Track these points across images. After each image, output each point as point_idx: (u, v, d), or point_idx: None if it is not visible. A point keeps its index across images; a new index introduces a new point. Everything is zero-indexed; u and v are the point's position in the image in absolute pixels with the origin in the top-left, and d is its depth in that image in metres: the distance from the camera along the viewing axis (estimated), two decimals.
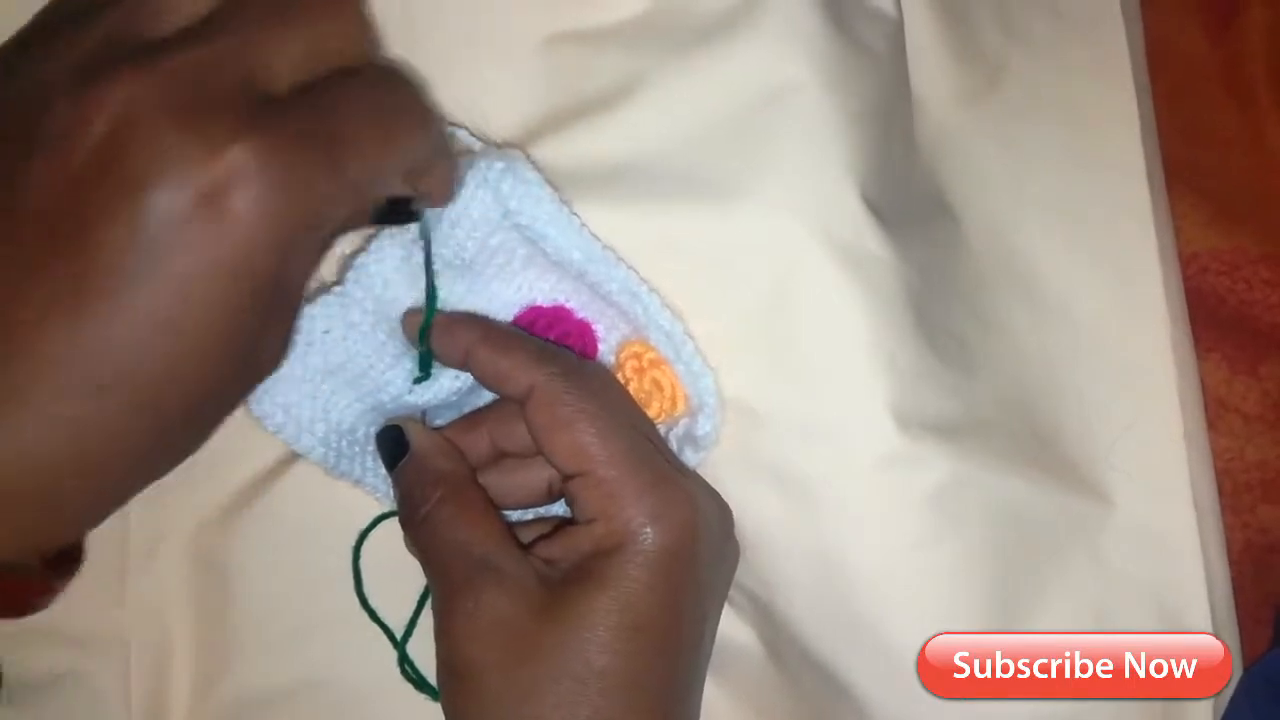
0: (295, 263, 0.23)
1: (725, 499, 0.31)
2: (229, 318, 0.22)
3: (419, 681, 0.32)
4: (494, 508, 0.30)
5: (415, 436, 0.31)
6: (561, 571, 0.28)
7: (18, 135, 0.22)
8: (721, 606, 0.32)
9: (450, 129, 0.32)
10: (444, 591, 0.29)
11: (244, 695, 0.35)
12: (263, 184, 0.21)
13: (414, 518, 0.30)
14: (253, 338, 0.23)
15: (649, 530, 0.28)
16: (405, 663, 0.33)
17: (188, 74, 0.21)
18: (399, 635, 0.33)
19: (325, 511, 0.34)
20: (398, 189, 0.26)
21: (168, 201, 0.20)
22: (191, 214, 0.21)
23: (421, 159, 0.26)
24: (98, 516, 0.24)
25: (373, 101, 0.24)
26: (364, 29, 0.25)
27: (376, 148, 0.24)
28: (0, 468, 0.21)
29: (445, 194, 0.29)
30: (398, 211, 0.28)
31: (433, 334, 0.31)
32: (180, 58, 0.21)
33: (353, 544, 0.33)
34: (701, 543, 0.29)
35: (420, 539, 0.30)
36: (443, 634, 0.29)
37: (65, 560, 0.25)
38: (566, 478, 0.29)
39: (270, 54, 0.22)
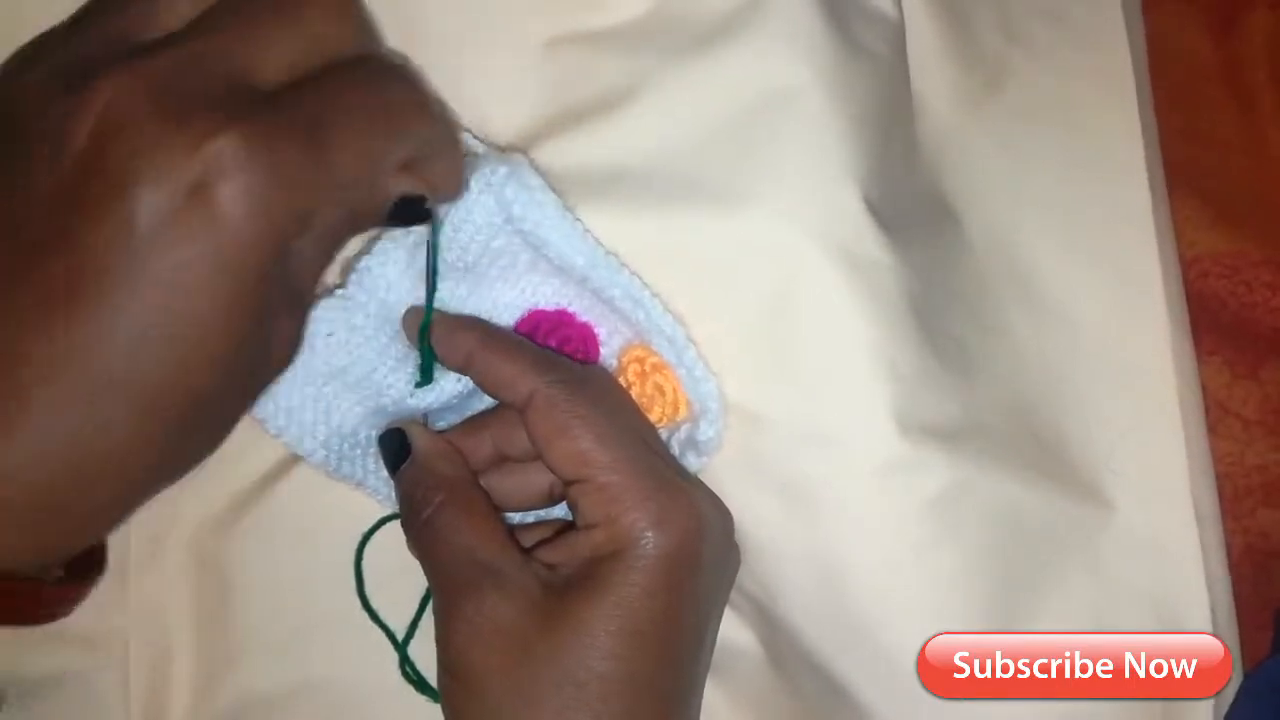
0: (295, 259, 0.23)
1: (726, 503, 0.31)
2: (226, 313, 0.22)
3: (420, 683, 0.33)
4: (496, 512, 0.30)
5: (418, 439, 0.31)
6: (563, 576, 0.28)
7: (10, 144, 0.22)
8: (722, 612, 0.32)
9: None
10: (445, 595, 0.29)
11: (244, 697, 0.35)
12: (248, 175, 0.21)
13: (416, 521, 0.30)
14: (255, 334, 0.23)
15: (650, 536, 0.28)
16: (406, 665, 0.33)
17: (172, 71, 0.21)
18: (400, 637, 0.33)
19: (326, 513, 0.34)
20: (406, 186, 0.26)
21: (153, 197, 0.20)
22: (178, 208, 0.21)
23: (420, 151, 0.26)
24: (109, 522, 0.24)
25: (364, 93, 0.24)
26: (360, 23, 0.25)
27: (366, 139, 0.23)
28: (7, 486, 0.21)
29: (453, 186, 0.28)
30: (409, 210, 0.27)
31: (433, 336, 0.31)
32: (166, 56, 0.22)
33: (353, 546, 0.33)
34: (703, 548, 0.29)
35: (422, 542, 0.30)
36: (444, 638, 0.29)
37: (86, 565, 0.25)
38: (567, 484, 0.29)
39: (260, 50, 0.22)
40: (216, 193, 0.21)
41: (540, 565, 0.29)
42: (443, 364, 0.31)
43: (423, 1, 0.33)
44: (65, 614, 0.25)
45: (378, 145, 0.24)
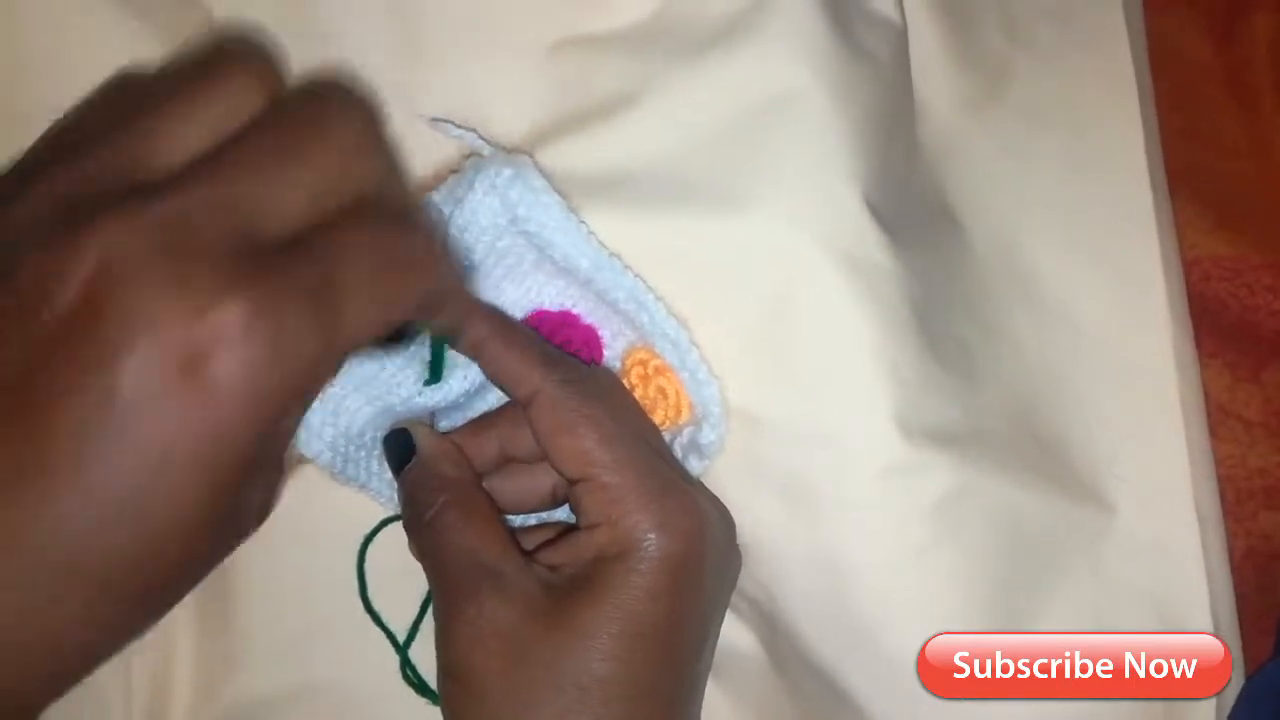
0: (281, 427, 0.21)
1: (728, 506, 0.31)
2: (206, 493, 0.20)
3: (421, 686, 0.33)
4: (498, 514, 0.30)
5: (423, 441, 0.31)
6: (565, 578, 0.28)
7: None
8: (724, 615, 0.32)
9: (460, 131, 0.32)
10: (446, 597, 0.29)
11: (245, 699, 0.35)
12: (250, 349, 0.19)
13: (419, 522, 0.30)
14: (232, 507, 0.21)
15: (653, 537, 0.28)
16: (407, 667, 0.33)
17: (173, 223, 0.19)
18: (401, 640, 0.33)
19: (327, 516, 0.34)
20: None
21: (146, 368, 0.18)
22: (171, 383, 0.18)
23: (429, 303, 0.24)
24: (45, 701, 0.21)
25: (378, 249, 0.22)
26: (380, 162, 0.23)
27: (376, 301, 0.21)
28: None
29: (449, 329, 0.28)
30: (398, 334, 0.27)
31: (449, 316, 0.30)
32: (166, 205, 0.19)
33: (354, 548, 0.33)
34: (705, 551, 0.28)
35: (424, 543, 0.30)
36: (444, 640, 0.29)
37: None
38: (571, 483, 0.29)
39: (269, 198, 0.20)
40: (214, 369, 0.18)
41: (542, 567, 0.29)
42: (453, 347, 0.31)
43: (426, 6, 0.33)
44: None
45: (388, 306, 0.22)
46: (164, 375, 0.18)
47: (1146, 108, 0.38)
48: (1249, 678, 0.34)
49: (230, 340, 0.19)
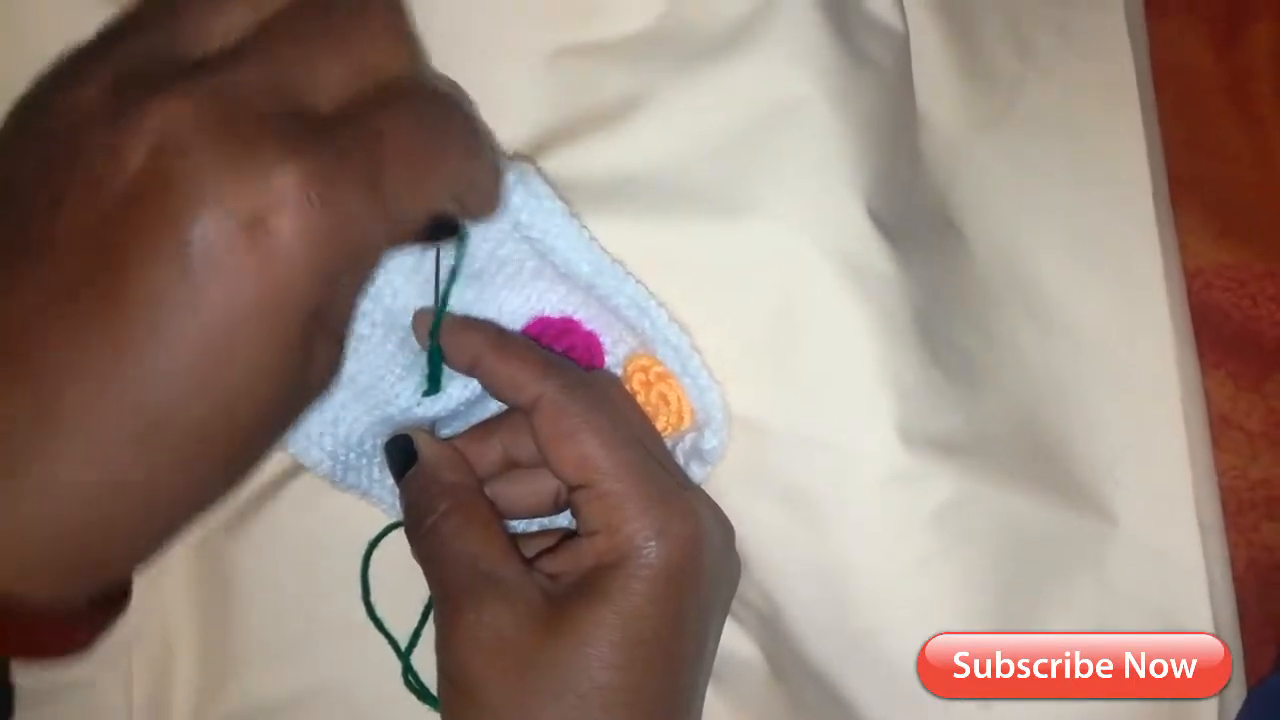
0: (342, 289, 0.23)
1: (729, 513, 0.31)
2: (276, 350, 0.21)
3: (422, 692, 0.33)
4: (500, 520, 0.30)
5: (424, 446, 0.31)
6: (565, 585, 0.28)
7: (53, 165, 0.21)
8: (723, 622, 0.32)
9: None
10: (447, 603, 0.29)
11: (246, 705, 0.35)
12: (308, 211, 0.20)
13: (420, 528, 0.30)
14: (301, 367, 0.22)
15: (653, 544, 0.28)
16: (409, 673, 0.33)
17: (228, 97, 0.20)
18: (403, 646, 0.33)
19: (329, 521, 0.34)
20: (445, 209, 0.25)
21: (210, 231, 0.20)
22: (235, 243, 0.20)
23: (468, 180, 0.25)
24: (142, 558, 0.23)
25: (420, 124, 0.23)
26: (410, 48, 0.24)
27: (423, 173, 0.23)
28: (38, 522, 0.20)
29: (490, 209, 0.28)
30: (441, 229, 0.27)
31: (443, 336, 0.30)
32: (220, 80, 0.21)
33: (355, 553, 0.33)
34: (705, 558, 0.28)
35: (425, 549, 0.30)
36: (444, 646, 0.29)
37: (111, 599, 0.24)
38: (571, 489, 0.29)
39: (314, 75, 0.22)
40: (276, 228, 0.20)
41: (542, 575, 0.29)
42: (450, 365, 0.31)
43: (429, 12, 0.33)
44: (89, 648, 0.24)
45: (430, 180, 0.23)
46: (230, 235, 0.20)
47: (1148, 116, 0.38)
48: (1251, 690, 0.33)
49: (289, 202, 0.20)
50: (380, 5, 0.23)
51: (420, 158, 0.23)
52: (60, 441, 0.20)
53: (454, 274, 0.30)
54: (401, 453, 0.31)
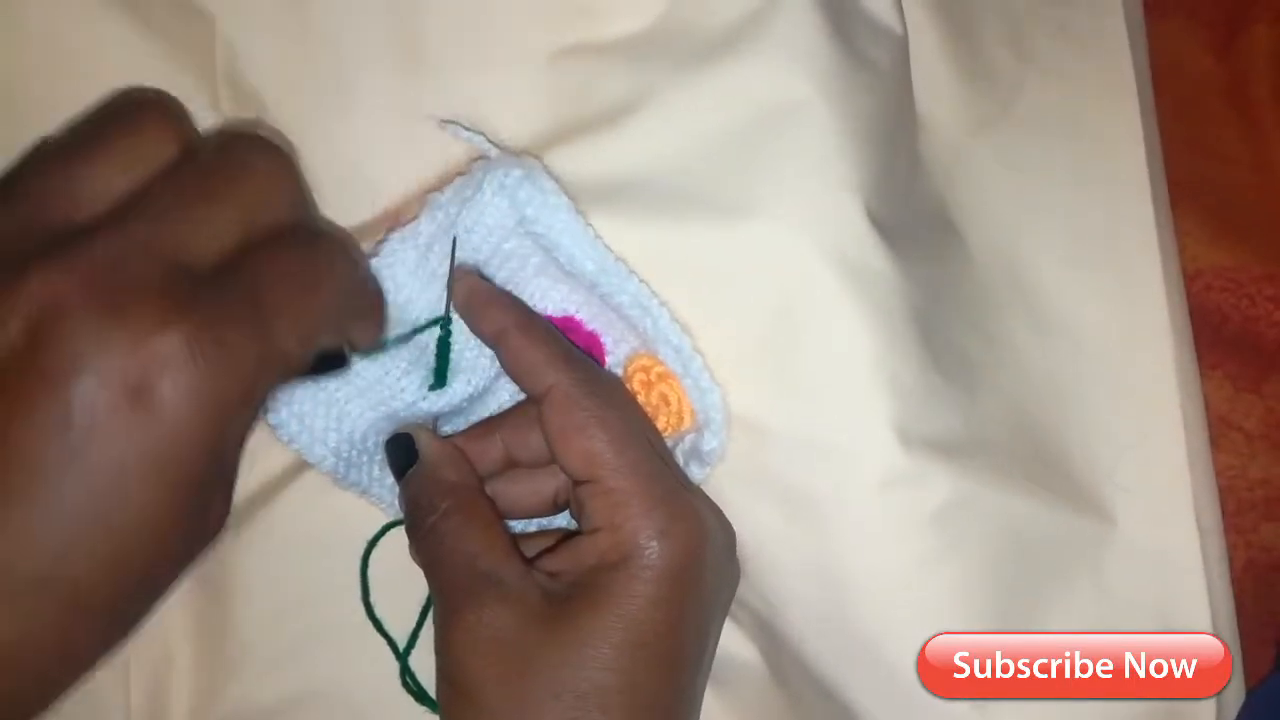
0: (231, 436, 0.23)
1: (729, 515, 0.31)
2: (162, 509, 0.21)
3: (420, 694, 0.32)
4: (501, 520, 0.30)
5: (425, 445, 0.31)
6: (565, 585, 0.28)
7: None
8: (722, 625, 0.32)
9: (468, 134, 0.32)
10: (447, 603, 0.29)
11: (244, 708, 0.34)
12: (193, 370, 0.20)
13: (420, 527, 0.30)
14: (190, 516, 0.22)
15: (655, 544, 0.28)
16: (407, 674, 0.33)
17: (107, 261, 0.21)
18: (401, 647, 0.33)
19: (326, 523, 0.34)
20: (328, 343, 0.26)
21: (92, 395, 0.20)
22: (118, 407, 0.20)
23: (351, 312, 0.26)
24: (41, 706, 0.23)
25: (301, 263, 0.24)
26: (291, 192, 0.24)
27: (303, 315, 0.23)
28: None
29: (372, 339, 0.29)
30: (327, 360, 0.28)
31: (474, 305, 0.30)
32: (100, 245, 0.21)
33: (354, 555, 0.33)
34: (706, 561, 0.28)
35: (425, 549, 0.30)
36: (444, 646, 0.28)
37: None
38: (576, 484, 0.29)
39: (195, 232, 0.22)
40: (160, 390, 0.20)
41: (542, 574, 0.29)
42: (474, 331, 0.31)
43: (428, 16, 0.33)
44: None
45: (314, 319, 0.24)
46: (112, 401, 0.20)
47: (1148, 118, 0.38)
48: (1251, 691, 0.33)
49: (172, 365, 0.20)
50: (261, 157, 0.24)
51: (302, 295, 0.23)
52: None
53: (451, 272, 0.30)
54: (402, 451, 0.31)
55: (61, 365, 0.20)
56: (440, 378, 0.31)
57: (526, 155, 0.32)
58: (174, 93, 0.31)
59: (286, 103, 0.32)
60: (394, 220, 0.32)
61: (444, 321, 0.31)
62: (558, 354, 0.29)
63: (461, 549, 0.29)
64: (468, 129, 0.32)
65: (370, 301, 0.28)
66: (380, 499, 0.33)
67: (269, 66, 0.32)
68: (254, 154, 0.24)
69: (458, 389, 0.31)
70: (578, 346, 0.32)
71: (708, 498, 0.31)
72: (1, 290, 0.20)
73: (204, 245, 0.22)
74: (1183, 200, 0.38)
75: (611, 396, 0.29)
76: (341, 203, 0.32)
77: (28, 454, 0.20)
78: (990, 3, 0.39)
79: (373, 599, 0.33)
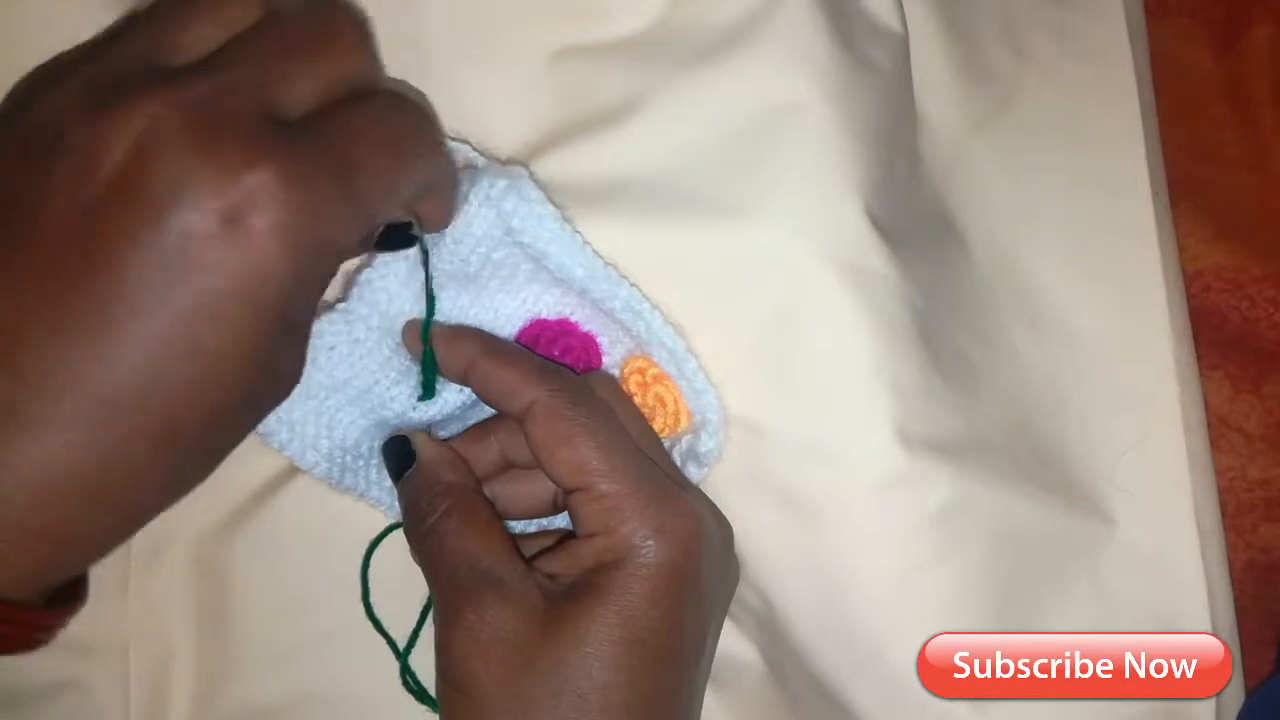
0: (310, 284, 0.24)
1: (727, 515, 0.31)
2: (247, 339, 0.22)
3: (420, 694, 0.32)
4: (499, 520, 0.30)
5: (423, 447, 0.31)
6: (564, 586, 0.28)
7: (35, 159, 0.22)
8: (721, 623, 0.32)
9: (454, 143, 0.32)
10: (446, 603, 0.29)
11: (244, 707, 0.34)
12: (281, 207, 0.21)
13: (419, 528, 0.30)
14: (270, 358, 0.23)
15: (651, 544, 0.28)
16: (407, 674, 0.33)
17: (205, 99, 0.22)
18: (402, 646, 0.33)
19: (327, 523, 0.34)
20: (399, 215, 0.27)
21: (188, 223, 0.21)
22: (211, 236, 0.21)
23: (426, 184, 0.27)
24: (107, 548, 0.24)
25: (383, 127, 0.24)
26: (372, 58, 0.25)
27: (386, 173, 0.24)
28: (5, 499, 0.21)
29: (444, 220, 0.29)
30: (396, 236, 0.28)
31: (435, 345, 0.31)
32: (197, 84, 0.22)
33: (353, 554, 0.33)
34: (703, 557, 0.28)
35: (425, 550, 0.30)
36: (444, 646, 0.28)
37: (68, 594, 0.24)
38: (567, 492, 0.29)
39: (284, 82, 0.23)
40: (250, 224, 0.21)
41: (541, 575, 0.29)
42: (444, 374, 0.31)
43: (428, 15, 0.33)
44: (44, 644, 0.24)
45: (397, 178, 0.25)
46: (206, 230, 0.21)
47: (1148, 120, 0.38)
48: (1251, 692, 0.33)
49: (264, 201, 0.21)
50: (343, 17, 0.25)
51: (386, 155, 0.24)
52: (34, 422, 0.21)
53: (429, 280, 0.31)
54: (399, 453, 0.31)
55: (160, 190, 0.21)
56: (428, 389, 0.31)
57: (513, 163, 0.32)
58: None
59: None
60: None
61: (425, 331, 0.31)
62: (531, 370, 0.29)
63: (461, 549, 0.29)
64: (453, 139, 0.32)
65: (447, 176, 0.28)
66: (379, 501, 0.33)
67: None
68: (336, 17, 0.25)
69: (449, 398, 0.31)
70: (572, 347, 0.32)
71: (705, 496, 0.31)
72: (105, 116, 0.21)
73: (293, 96, 0.23)
74: (1182, 201, 0.38)
75: (594, 403, 0.29)
76: None
77: (124, 275, 0.21)
78: (990, 3, 0.39)
79: (373, 599, 0.33)
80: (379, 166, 0.24)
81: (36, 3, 0.31)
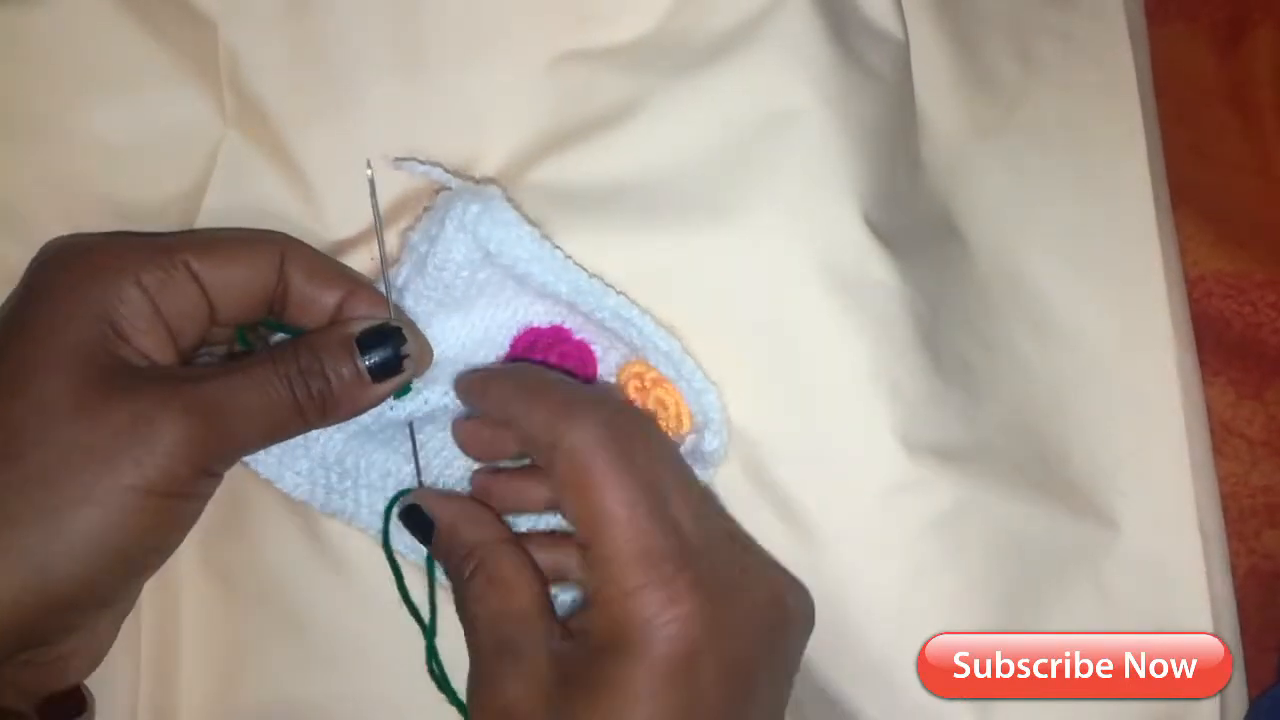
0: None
1: None
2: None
3: (442, 679, 0.32)
4: (528, 566, 0.29)
5: (437, 510, 0.30)
6: (583, 651, 0.27)
7: None
8: (778, 697, 0.29)
9: (425, 167, 0.32)
10: (474, 667, 0.29)
11: (252, 708, 0.34)
12: None
13: (456, 591, 0.30)
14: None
15: (651, 630, 0.26)
16: (433, 660, 0.32)
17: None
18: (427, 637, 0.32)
19: (331, 523, 0.34)
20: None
21: None
22: None
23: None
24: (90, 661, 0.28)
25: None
26: None
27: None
28: None
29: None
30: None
31: (472, 398, 0.31)
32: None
33: (358, 555, 0.33)
34: (715, 642, 0.26)
35: (460, 611, 0.30)
36: (471, 705, 0.29)
37: (65, 708, 0.26)
38: (581, 547, 0.28)
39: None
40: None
41: (563, 634, 0.28)
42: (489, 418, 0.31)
43: (427, 20, 0.33)
44: None
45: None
46: None
47: (1150, 124, 0.38)
48: (1254, 699, 0.33)
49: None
50: None
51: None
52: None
53: (388, 283, 0.31)
54: (419, 520, 0.31)
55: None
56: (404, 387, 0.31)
57: (486, 183, 0.31)
58: (181, 101, 0.32)
59: (289, 108, 0.32)
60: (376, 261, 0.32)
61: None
62: (559, 405, 0.28)
63: (483, 614, 0.29)
64: (423, 163, 0.32)
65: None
66: (370, 525, 0.32)
67: (271, 73, 0.32)
68: None
69: (431, 396, 0.31)
70: (568, 355, 0.32)
71: (766, 560, 0.30)
72: None
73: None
74: (1185, 205, 0.38)
75: (616, 448, 0.27)
76: (344, 206, 0.33)
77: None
78: (992, 8, 0.39)
79: (386, 593, 0.32)
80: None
81: (50, 6, 0.32)
